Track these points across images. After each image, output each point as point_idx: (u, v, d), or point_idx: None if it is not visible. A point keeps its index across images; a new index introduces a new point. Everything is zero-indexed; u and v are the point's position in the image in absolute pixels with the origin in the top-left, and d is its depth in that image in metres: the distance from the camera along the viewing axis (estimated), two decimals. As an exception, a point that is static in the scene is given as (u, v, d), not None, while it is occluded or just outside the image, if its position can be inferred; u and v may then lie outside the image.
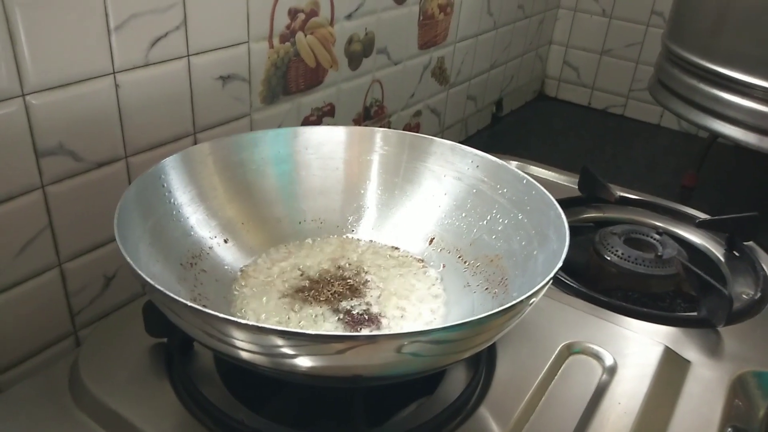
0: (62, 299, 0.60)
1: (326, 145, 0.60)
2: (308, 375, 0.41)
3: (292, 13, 0.72)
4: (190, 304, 0.36)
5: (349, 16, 0.81)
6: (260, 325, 0.36)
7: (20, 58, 0.49)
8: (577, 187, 0.83)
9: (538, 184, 0.52)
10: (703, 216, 0.79)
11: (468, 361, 0.52)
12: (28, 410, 0.48)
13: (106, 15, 0.53)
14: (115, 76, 0.56)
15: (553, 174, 0.89)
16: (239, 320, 0.36)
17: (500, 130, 1.32)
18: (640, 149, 1.30)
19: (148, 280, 0.36)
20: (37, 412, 0.48)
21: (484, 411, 0.49)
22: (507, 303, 0.40)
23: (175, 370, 0.49)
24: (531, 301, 0.40)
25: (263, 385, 0.51)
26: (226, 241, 0.55)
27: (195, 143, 0.66)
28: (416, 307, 0.52)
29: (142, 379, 0.49)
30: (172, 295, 0.36)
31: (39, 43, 0.49)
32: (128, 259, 0.38)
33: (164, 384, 0.49)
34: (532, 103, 1.47)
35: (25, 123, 0.51)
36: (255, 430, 0.45)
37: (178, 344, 0.51)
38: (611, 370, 0.54)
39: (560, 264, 0.41)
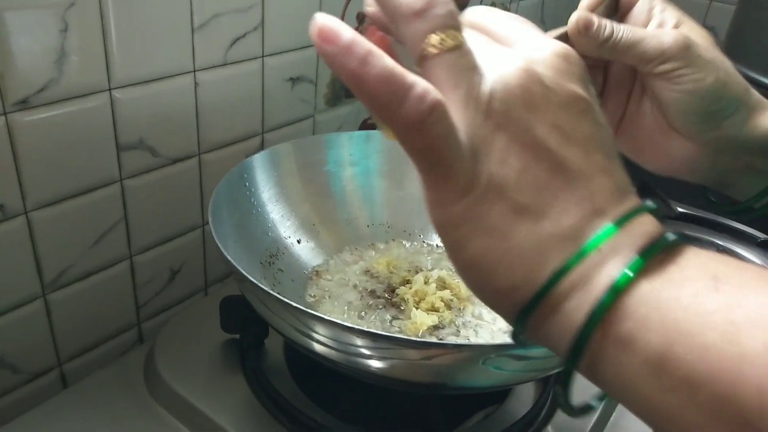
0: (130, 291, 0.61)
1: (398, 149, 0.60)
2: (389, 378, 0.41)
3: (360, 18, 0.73)
4: (286, 300, 0.36)
5: (411, 22, 0.82)
6: (355, 327, 0.36)
7: (109, 52, 0.50)
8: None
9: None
10: (763, 236, 0.78)
11: (537, 373, 0.52)
12: (102, 401, 0.49)
13: (191, 14, 0.54)
14: (195, 75, 0.57)
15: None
16: (335, 320, 0.36)
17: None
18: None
19: (249, 276, 0.37)
20: (111, 402, 0.49)
21: (551, 430, 0.49)
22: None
23: (249, 365, 0.50)
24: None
25: (331, 384, 0.51)
26: (299, 242, 0.55)
27: (262, 143, 0.66)
28: (492, 314, 0.52)
29: (216, 373, 0.50)
30: (269, 290, 0.36)
31: (127, 39, 0.50)
32: (228, 257, 0.38)
33: (239, 379, 0.49)
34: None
35: (110, 117, 0.52)
36: (329, 429, 0.45)
37: (251, 340, 0.51)
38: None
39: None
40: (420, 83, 0.21)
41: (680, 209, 0.80)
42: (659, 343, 0.20)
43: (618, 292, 0.21)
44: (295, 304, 0.35)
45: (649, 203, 0.23)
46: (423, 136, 0.21)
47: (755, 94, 0.39)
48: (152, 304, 0.63)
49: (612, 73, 0.41)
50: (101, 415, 0.47)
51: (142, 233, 0.59)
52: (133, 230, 0.58)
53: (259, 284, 0.36)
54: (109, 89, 0.51)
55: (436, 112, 0.21)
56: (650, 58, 0.36)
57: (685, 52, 0.36)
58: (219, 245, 0.39)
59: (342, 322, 0.36)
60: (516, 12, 1.04)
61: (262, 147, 0.66)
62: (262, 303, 0.39)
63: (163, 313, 0.65)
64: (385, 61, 0.21)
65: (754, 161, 0.40)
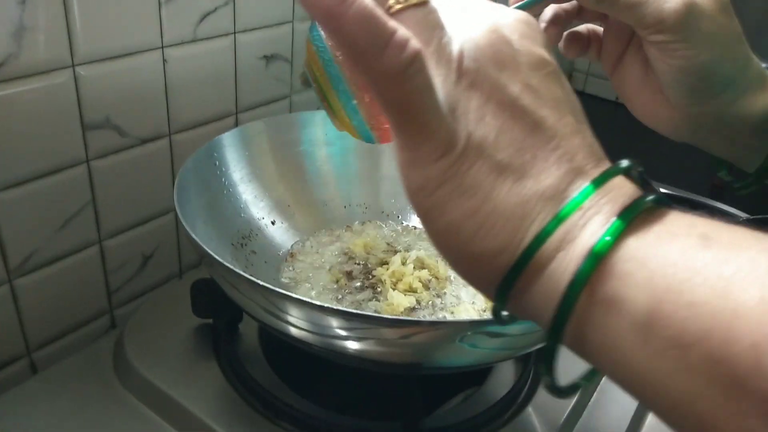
0: (100, 277, 0.59)
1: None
2: (365, 359, 0.40)
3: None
4: (257, 280, 0.35)
5: (389, 0, 0.80)
6: (323, 305, 0.35)
7: (72, 27, 0.48)
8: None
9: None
10: (745, 215, 0.78)
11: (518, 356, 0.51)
12: (72, 389, 0.47)
13: (158, -13, 0.52)
14: (163, 51, 0.55)
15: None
16: (307, 300, 0.35)
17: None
18: (668, 146, 1.27)
19: (215, 256, 0.35)
20: (81, 390, 0.47)
21: (531, 411, 0.48)
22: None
23: (223, 351, 0.48)
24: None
25: (308, 368, 0.50)
26: (273, 223, 0.54)
27: (236, 123, 0.65)
28: (471, 294, 0.51)
29: (188, 359, 0.48)
30: (239, 271, 0.35)
31: (91, 13, 0.48)
32: (193, 236, 0.37)
33: (211, 365, 0.48)
34: (558, 97, 1.46)
35: (74, 94, 0.50)
36: (306, 414, 0.44)
37: (224, 325, 0.50)
38: (662, 367, 0.53)
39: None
40: (401, 28, 0.20)
41: (662, 190, 0.80)
42: (647, 302, 0.19)
43: (603, 249, 0.20)
44: (265, 284, 0.34)
45: (625, 162, 0.22)
46: (402, 87, 0.20)
47: (756, 68, 0.37)
48: (125, 290, 0.62)
49: (611, 20, 0.40)
50: (70, 403, 0.46)
51: (112, 217, 0.57)
52: (102, 213, 0.56)
53: (228, 265, 0.35)
54: (73, 65, 0.49)
55: (417, 61, 0.20)
56: (646, 25, 0.35)
57: (682, 25, 0.34)
58: (185, 225, 0.37)
59: (314, 302, 0.35)
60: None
61: (236, 127, 0.64)
62: (232, 285, 0.37)
63: (136, 299, 0.63)
64: (365, 0, 0.19)
65: (736, 137, 0.39)
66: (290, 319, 0.37)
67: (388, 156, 0.61)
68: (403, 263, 0.51)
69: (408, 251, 0.55)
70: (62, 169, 0.51)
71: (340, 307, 0.34)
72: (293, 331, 0.38)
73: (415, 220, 0.60)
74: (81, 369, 0.49)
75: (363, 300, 0.50)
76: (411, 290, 0.50)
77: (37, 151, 0.49)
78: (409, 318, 0.46)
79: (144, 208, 0.60)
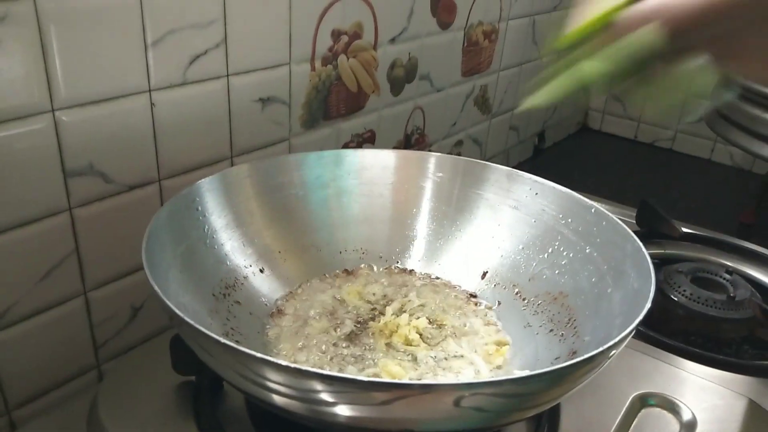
0: (86, 330, 0.56)
1: (372, 169, 0.56)
2: (351, 427, 0.36)
3: (336, 35, 0.69)
4: (221, 339, 0.31)
5: (392, 40, 0.78)
6: (300, 367, 0.31)
7: (51, 71, 0.46)
8: (628, 221, 0.77)
9: (610, 214, 0.47)
10: (774, 255, 0.73)
11: (527, 412, 0.47)
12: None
13: (144, 29, 0.51)
14: (150, 94, 0.53)
15: (604, 207, 0.83)
16: (275, 360, 0.31)
17: (542, 163, 1.27)
18: (691, 184, 1.23)
19: (176, 310, 0.32)
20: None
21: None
22: (579, 346, 0.35)
23: (203, 412, 0.45)
24: (624, 344, 0.34)
25: (298, 433, 0.46)
26: (261, 271, 0.51)
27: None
28: (472, 348, 0.46)
29: (165, 421, 0.45)
30: (201, 329, 0.32)
31: (72, 57, 0.47)
32: (156, 288, 0.33)
33: (190, 428, 0.44)
34: (575, 136, 1.42)
35: (54, 141, 0.48)
36: (290, 486, 0.40)
37: (207, 383, 0.46)
38: (690, 426, 0.48)
39: (649, 303, 0.36)
40: None
41: (684, 229, 0.75)
42: None
43: None
44: (222, 339, 0.31)
45: None
46: None
47: None
48: (113, 344, 0.59)
49: None
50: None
51: (98, 267, 0.54)
52: (87, 263, 0.53)
53: (183, 315, 0.31)
54: (52, 110, 0.47)
55: None
56: None
57: None
58: (147, 272, 0.34)
59: (286, 363, 0.31)
60: (505, 31, 1.01)
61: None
62: (198, 345, 0.34)
63: (127, 353, 0.60)
64: None
65: None
66: (264, 383, 0.33)
67: (389, 199, 0.58)
68: (401, 310, 0.48)
69: (406, 297, 0.51)
70: (42, 218, 0.49)
71: (318, 370, 0.30)
72: (268, 395, 0.34)
73: (412, 264, 0.56)
74: (56, 428, 0.46)
75: (359, 355, 0.46)
76: (407, 342, 0.46)
77: (15, 200, 0.47)
78: (398, 381, 0.41)
79: (133, 257, 0.57)
